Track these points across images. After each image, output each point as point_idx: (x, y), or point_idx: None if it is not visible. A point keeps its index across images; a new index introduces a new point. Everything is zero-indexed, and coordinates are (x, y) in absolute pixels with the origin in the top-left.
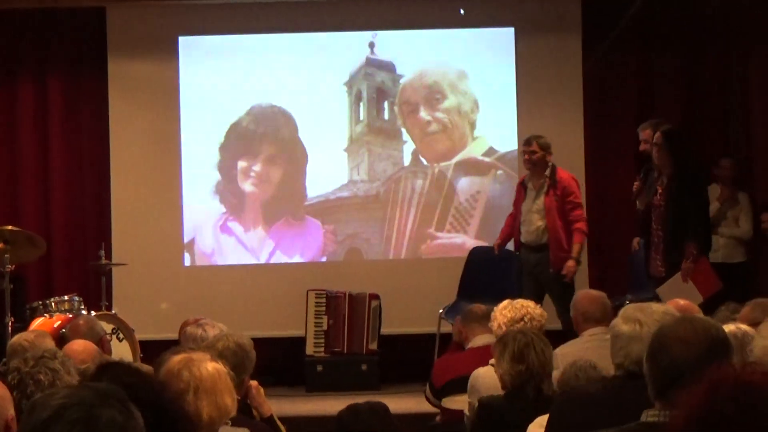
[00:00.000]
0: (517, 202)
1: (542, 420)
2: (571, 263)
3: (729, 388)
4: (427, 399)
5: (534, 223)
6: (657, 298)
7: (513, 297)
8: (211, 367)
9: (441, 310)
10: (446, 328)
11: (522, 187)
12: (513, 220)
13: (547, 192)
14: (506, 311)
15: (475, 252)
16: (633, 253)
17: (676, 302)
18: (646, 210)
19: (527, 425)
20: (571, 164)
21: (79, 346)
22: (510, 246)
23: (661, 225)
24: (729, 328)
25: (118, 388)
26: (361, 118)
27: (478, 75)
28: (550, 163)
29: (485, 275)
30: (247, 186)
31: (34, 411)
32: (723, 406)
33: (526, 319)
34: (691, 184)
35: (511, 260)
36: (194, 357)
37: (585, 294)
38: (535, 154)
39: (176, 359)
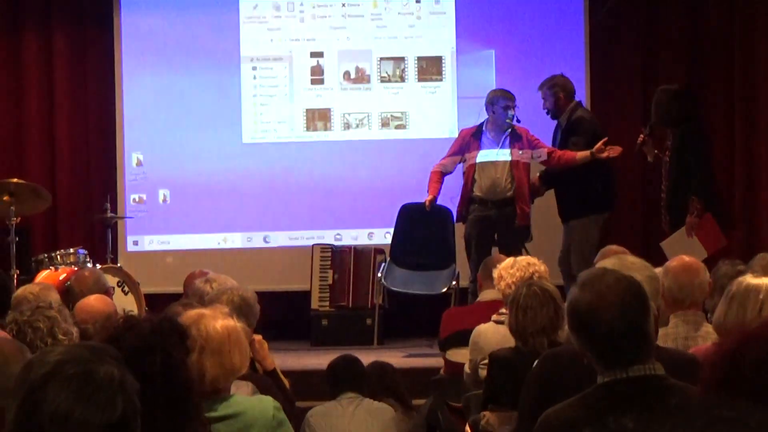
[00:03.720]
0: (463, 153)
1: None
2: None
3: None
4: None
5: (498, 176)
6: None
7: (448, 254)
8: (220, 325)
9: (379, 275)
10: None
11: (473, 138)
12: (443, 174)
13: (512, 145)
14: (514, 270)
15: (405, 209)
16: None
17: (681, 258)
18: (656, 165)
19: None
20: None
21: (95, 301)
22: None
23: (668, 181)
24: (757, 281)
25: (111, 347)
26: None
27: None
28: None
29: (419, 233)
30: None
31: (31, 368)
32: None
33: (535, 278)
34: (694, 140)
35: (445, 215)
36: (206, 313)
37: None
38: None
39: (188, 315)
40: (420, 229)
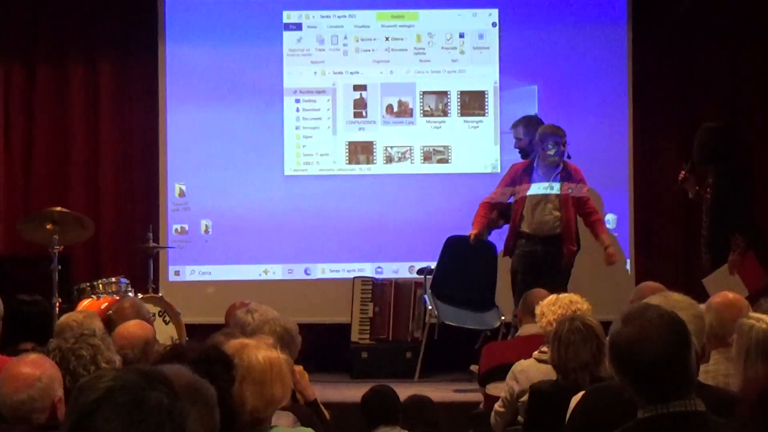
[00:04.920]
0: (514, 186)
1: None
2: (611, 251)
3: None
4: None
5: (547, 214)
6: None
7: (490, 289)
8: (262, 356)
9: (429, 307)
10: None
11: (524, 172)
12: (492, 207)
13: (562, 182)
14: (555, 307)
15: (450, 242)
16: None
17: (725, 295)
18: (697, 201)
19: None
20: (617, 155)
21: (134, 327)
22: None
23: (709, 218)
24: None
25: (161, 371)
26: None
27: None
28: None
29: (462, 267)
30: None
31: (81, 393)
32: None
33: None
34: (735, 178)
35: (489, 251)
36: (249, 344)
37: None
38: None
39: (232, 344)
40: (464, 264)
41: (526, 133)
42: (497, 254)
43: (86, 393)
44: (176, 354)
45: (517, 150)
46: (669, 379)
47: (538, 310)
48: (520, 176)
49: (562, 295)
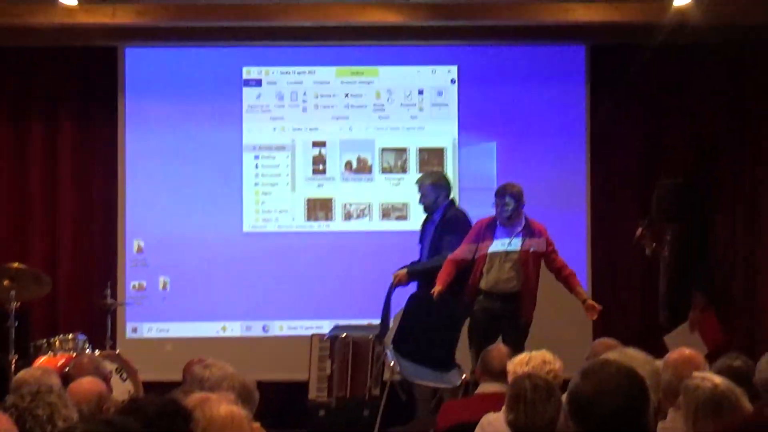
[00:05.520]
0: (475, 245)
1: None
2: (592, 303)
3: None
4: None
5: (506, 272)
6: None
7: (451, 348)
8: (224, 410)
9: (391, 363)
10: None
11: (487, 228)
12: (458, 264)
13: (523, 241)
14: (528, 367)
15: (413, 299)
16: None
17: (681, 351)
18: (654, 258)
19: None
20: (574, 212)
21: (87, 383)
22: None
23: (667, 276)
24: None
25: (131, 421)
26: None
27: None
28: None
29: (424, 324)
30: None
31: None
32: None
33: (551, 375)
34: (694, 235)
35: (451, 308)
36: (211, 397)
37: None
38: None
39: (193, 397)
40: (426, 321)
41: (432, 190)
42: (461, 312)
43: None
44: (135, 407)
45: (422, 206)
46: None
47: (509, 368)
48: (483, 233)
49: (534, 353)
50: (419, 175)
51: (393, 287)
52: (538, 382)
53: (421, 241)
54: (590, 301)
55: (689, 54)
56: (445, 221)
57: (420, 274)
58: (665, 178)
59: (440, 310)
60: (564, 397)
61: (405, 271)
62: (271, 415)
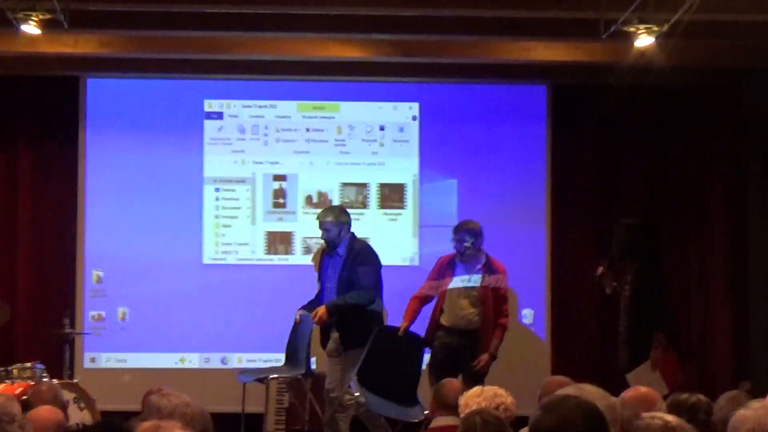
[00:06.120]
0: (438, 281)
1: None
2: (487, 357)
3: None
4: None
5: (465, 308)
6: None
7: (413, 383)
8: None
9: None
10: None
11: (448, 266)
12: (421, 301)
13: (483, 278)
14: (479, 399)
15: (379, 333)
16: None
17: (638, 389)
18: (614, 297)
19: None
20: (534, 251)
21: (45, 412)
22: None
23: (628, 314)
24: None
25: None
26: None
27: None
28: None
29: (388, 358)
30: None
31: None
32: None
33: (501, 409)
34: (654, 275)
35: (416, 345)
36: (163, 425)
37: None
38: (475, 244)
39: (145, 425)
40: (391, 356)
41: (334, 225)
42: (423, 349)
43: None
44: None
45: (324, 241)
46: None
47: (461, 401)
48: (444, 269)
49: (487, 388)
50: (322, 211)
51: (317, 323)
52: (488, 419)
53: (322, 275)
54: (487, 356)
55: (650, 95)
56: (356, 254)
57: (341, 309)
58: (624, 218)
59: (404, 345)
60: None
61: (324, 308)
62: None
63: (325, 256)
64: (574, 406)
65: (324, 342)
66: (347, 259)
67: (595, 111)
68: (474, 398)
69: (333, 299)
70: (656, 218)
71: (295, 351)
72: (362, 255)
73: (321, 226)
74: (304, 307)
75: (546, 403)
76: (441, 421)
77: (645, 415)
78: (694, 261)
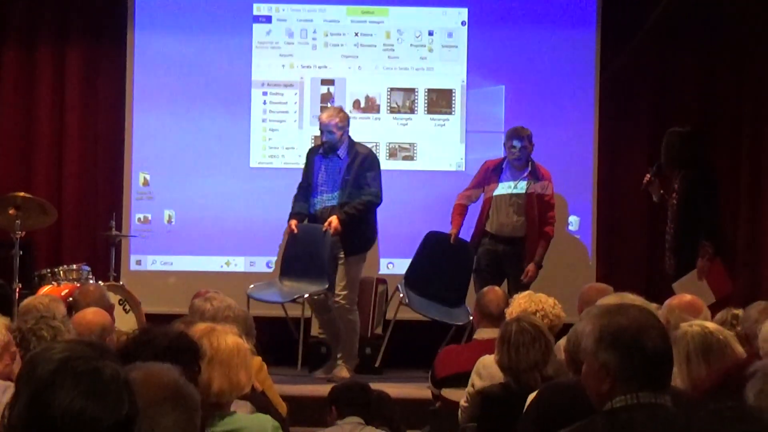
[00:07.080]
0: (483, 186)
1: None
2: (533, 268)
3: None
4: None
5: (510, 215)
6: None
7: (462, 288)
8: (231, 340)
9: (401, 295)
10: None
11: (494, 171)
12: (465, 208)
13: (528, 184)
14: (522, 301)
15: (430, 237)
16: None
17: (682, 297)
18: (661, 205)
19: None
20: (581, 158)
21: (91, 314)
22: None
23: (675, 223)
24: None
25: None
26: None
27: None
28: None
29: (438, 263)
30: None
31: (36, 365)
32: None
33: (539, 315)
34: (703, 184)
35: (466, 251)
36: (218, 328)
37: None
38: (527, 150)
39: (200, 327)
40: (441, 261)
41: (338, 127)
42: (472, 254)
43: (42, 364)
44: (147, 338)
45: (324, 143)
46: (668, 367)
47: (508, 310)
48: (489, 176)
49: (537, 294)
50: (323, 114)
51: (334, 234)
52: (524, 326)
53: (314, 176)
54: (534, 266)
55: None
56: (362, 158)
57: (352, 218)
58: (675, 126)
59: (454, 250)
60: (564, 339)
61: (336, 218)
62: (273, 351)
63: (317, 156)
64: (638, 311)
65: None
66: (352, 163)
67: (646, 16)
68: (519, 299)
69: (343, 208)
70: (707, 126)
71: (313, 264)
72: (369, 159)
73: (325, 127)
74: (295, 215)
75: (607, 308)
76: (483, 333)
77: (683, 324)
78: (745, 171)
